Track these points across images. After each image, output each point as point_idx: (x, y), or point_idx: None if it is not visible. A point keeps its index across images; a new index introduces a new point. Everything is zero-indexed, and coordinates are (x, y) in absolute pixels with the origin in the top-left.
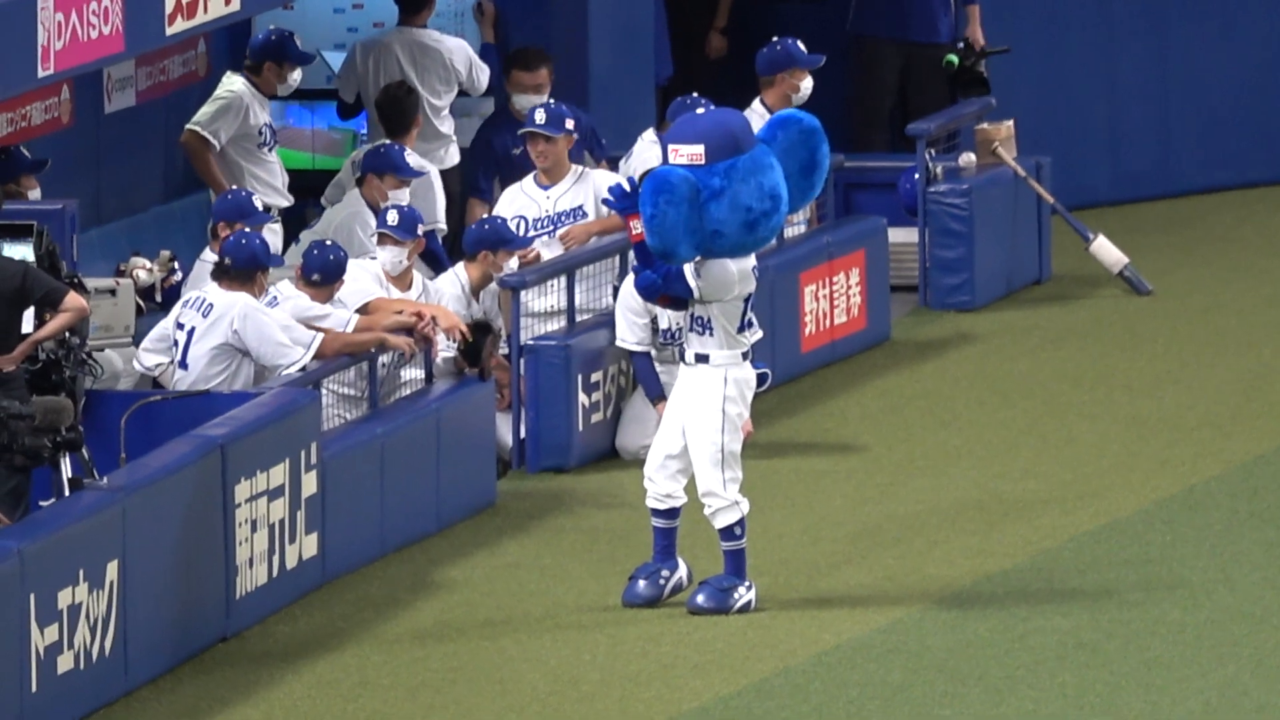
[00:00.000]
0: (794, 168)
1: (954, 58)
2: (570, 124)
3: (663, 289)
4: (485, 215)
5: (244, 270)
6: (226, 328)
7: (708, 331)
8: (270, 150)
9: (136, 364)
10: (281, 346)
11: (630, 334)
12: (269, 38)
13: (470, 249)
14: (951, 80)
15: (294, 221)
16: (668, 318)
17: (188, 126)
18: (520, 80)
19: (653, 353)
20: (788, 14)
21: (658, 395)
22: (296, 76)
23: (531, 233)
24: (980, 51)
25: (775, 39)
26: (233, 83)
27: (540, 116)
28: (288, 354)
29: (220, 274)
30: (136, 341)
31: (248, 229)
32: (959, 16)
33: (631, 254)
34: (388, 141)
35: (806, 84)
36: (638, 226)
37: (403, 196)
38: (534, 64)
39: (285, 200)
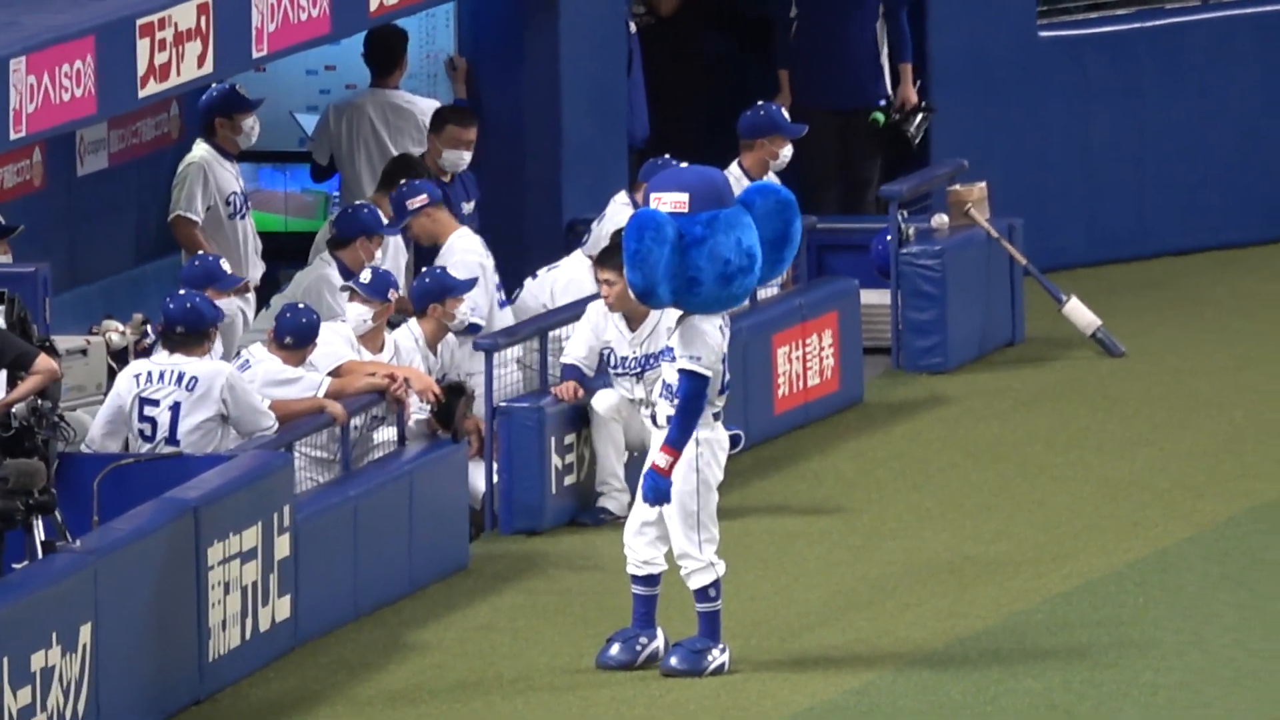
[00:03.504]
0: (767, 236)
1: (879, 116)
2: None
3: (684, 396)
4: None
5: (197, 334)
6: (216, 399)
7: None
8: (242, 218)
9: (89, 452)
10: (260, 414)
11: (573, 349)
12: (211, 95)
13: (418, 304)
14: (878, 139)
15: (267, 285)
16: (628, 345)
17: (171, 215)
18: (456, 136)
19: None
20: (765, 78)
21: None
22: (251, 124)
23: None
24: (907, 110)
25: (760, 103)
26: (194, 152)
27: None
28: (264, 421)
29: (175, 343)
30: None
31: (181, 292)
32: (892, 75)
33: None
34: (355, 203)
35: (786, 151)
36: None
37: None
38: (469, 121)
39: (258, 268)
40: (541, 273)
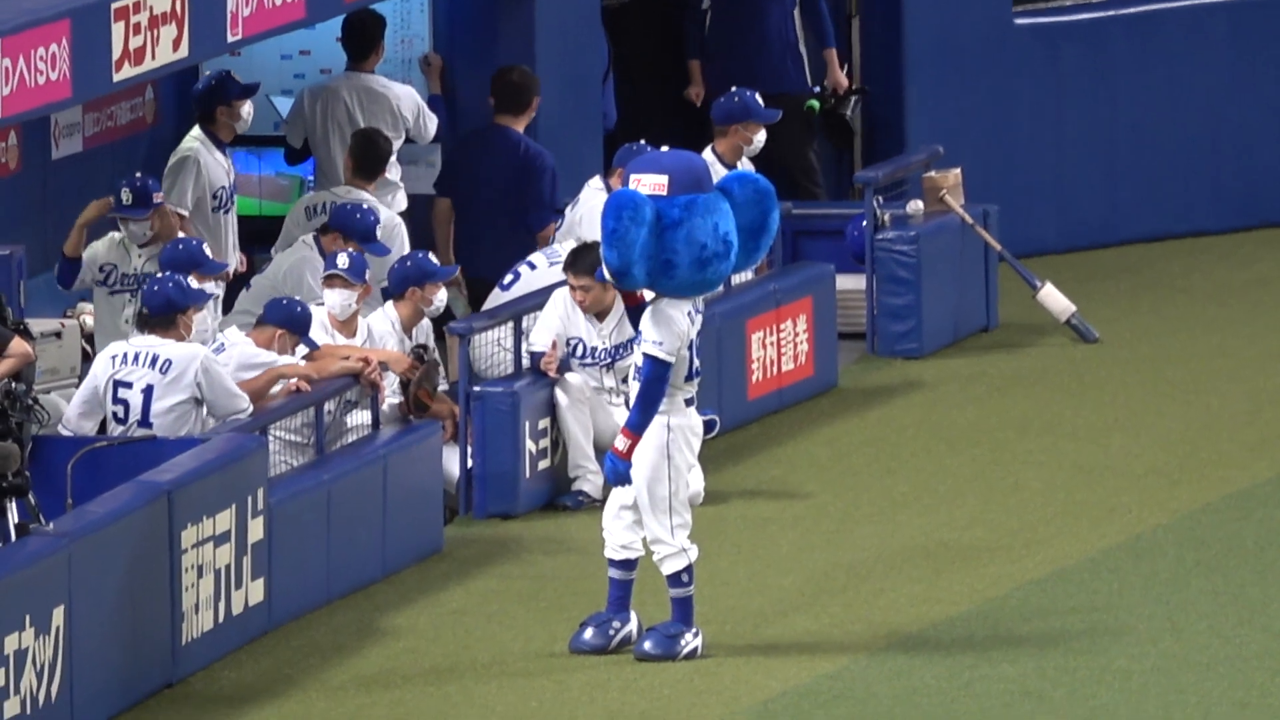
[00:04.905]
0: (744, 224)
1: (815, 103)
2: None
3: (645, 380)
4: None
5: (164, 316)
6: (191, 382)
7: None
8: (226, 212)
9: (66, 432)
10: (234, 397)
11: (538, 337)
12: (209, 83)
13: (396, 287)
14: (815, 127)
15: (248, 270)
16: (598, 336)
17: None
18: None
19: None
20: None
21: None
22: (248, 110)
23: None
24: (840, 95)
25: (734, 89)
26: (188, 142)
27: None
28: (238, 403)
29: (144, 324)
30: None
31: (159, 275)
32: (815, 63)
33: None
34: (364, 206)
35: (759, 137)
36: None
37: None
38: None
39: (232, 261)
40: (540, 262)
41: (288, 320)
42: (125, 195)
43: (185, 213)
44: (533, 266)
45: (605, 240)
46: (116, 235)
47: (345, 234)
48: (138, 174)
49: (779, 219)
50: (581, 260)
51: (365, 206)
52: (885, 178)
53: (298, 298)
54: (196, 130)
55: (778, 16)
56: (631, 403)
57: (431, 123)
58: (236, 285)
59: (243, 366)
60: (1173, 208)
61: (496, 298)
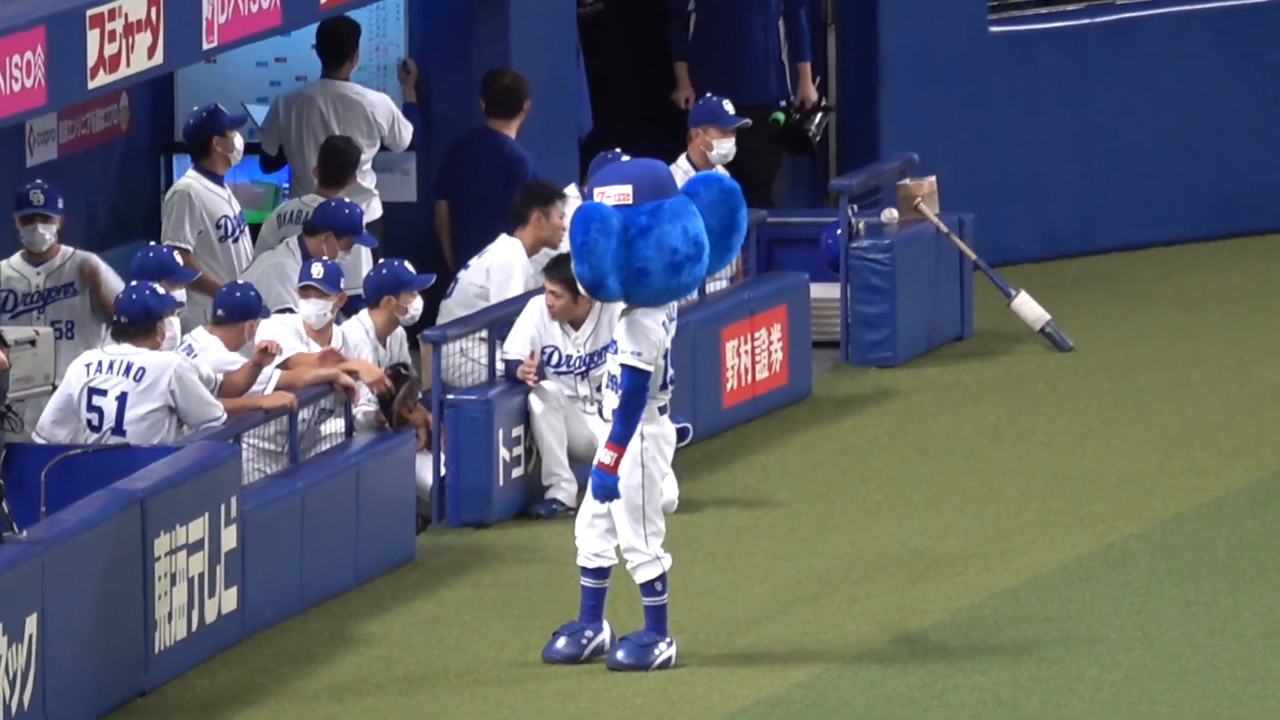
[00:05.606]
0: (714, 225)
1: (780, 115)
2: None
3: (625, 391)
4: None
5: (142, 325)
6: (165, 390)
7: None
8: (235, 241)
9: (40, 439)
10: (208, 405)
11: (514, 346)
12: (199, 117)
13: (371, 295)
14: (778, 138)
15: None
16: (572, 344)
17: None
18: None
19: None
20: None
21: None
22: (240, 141)
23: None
24: (808, 109)
25: (708, 94)
26: (181, 180)
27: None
28: (212, 411)
29: (121, 333)
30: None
31: (134, 282)
32: (791, 74)
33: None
34: (347, 200)
35: (723, 144)
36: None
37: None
38: None
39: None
40: (473, 262)
41: (243, 311)
42: (36, 196)
43: (189, 247)
44: (466, 266)
45: (575, 255)
46: (4, 263)
47: (336, 230)
48: (38, 179)
49: (747, 217)
50: (561, 268)
51: (346, 200)
52: (860, 186)
53: (246, 283)
54: (191, 170)
55: (762, 26)
56: (608, 413)
57: (406, 130)
58: None
59: (217, 371)
60: (1148, 216)
61: (444, 311)
